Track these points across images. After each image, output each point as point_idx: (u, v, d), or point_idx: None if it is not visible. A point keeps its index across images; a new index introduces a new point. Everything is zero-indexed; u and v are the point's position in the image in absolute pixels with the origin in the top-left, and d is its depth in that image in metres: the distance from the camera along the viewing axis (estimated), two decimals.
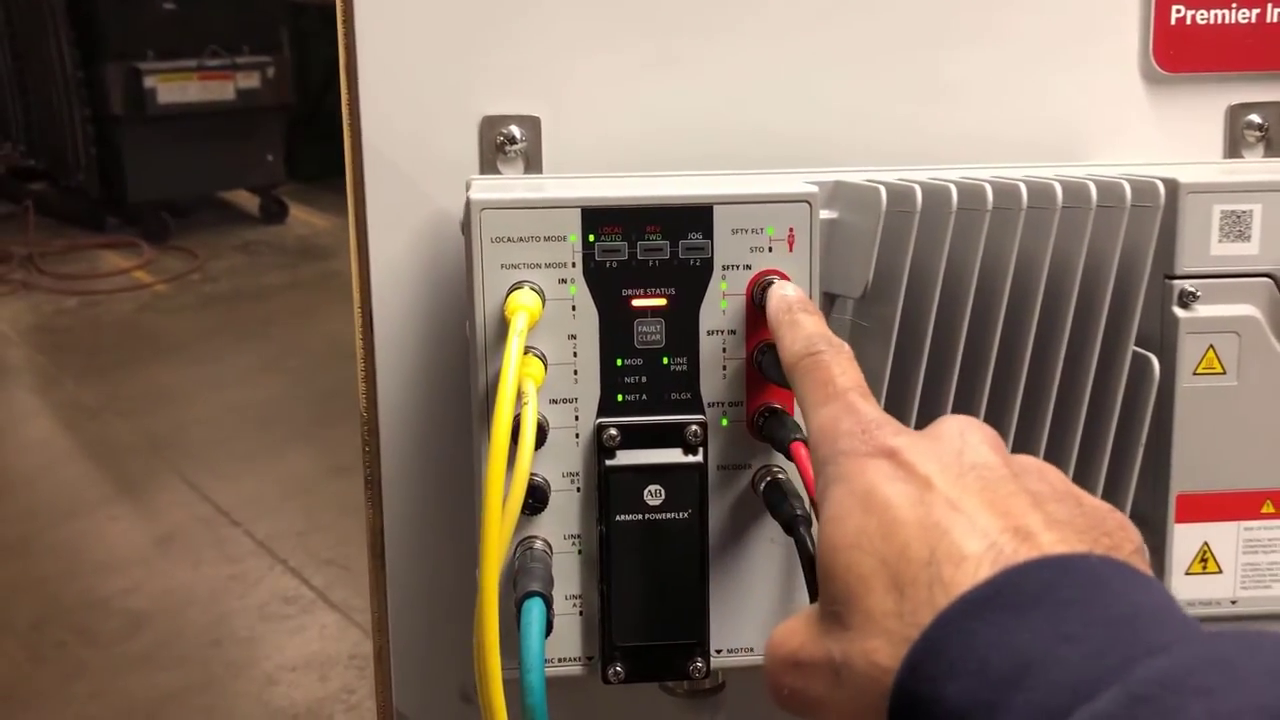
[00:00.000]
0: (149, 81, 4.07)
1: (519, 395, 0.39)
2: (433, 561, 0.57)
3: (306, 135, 4.80)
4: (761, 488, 0.45)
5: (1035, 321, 0.45)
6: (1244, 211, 0.47)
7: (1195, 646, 0.26)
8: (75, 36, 4.10)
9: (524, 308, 0.41)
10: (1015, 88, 0.56)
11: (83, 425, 2.97)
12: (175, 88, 4.13)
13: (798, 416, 0.44)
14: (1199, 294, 0.46)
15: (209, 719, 1.95)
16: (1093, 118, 0.57)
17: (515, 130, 0.54)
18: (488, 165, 0.54)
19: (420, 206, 0.54)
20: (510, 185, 0.48)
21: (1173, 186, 0.46)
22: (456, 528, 0.56)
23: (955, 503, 0.31)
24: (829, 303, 0.46)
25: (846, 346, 0.40)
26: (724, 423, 0.45)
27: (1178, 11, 0.56)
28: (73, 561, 2.36)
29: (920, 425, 0.46)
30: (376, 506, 0.56)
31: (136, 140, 4.13)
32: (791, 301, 0.42)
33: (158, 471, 2.74)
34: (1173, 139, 0.58)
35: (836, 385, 0.37)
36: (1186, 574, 0.48)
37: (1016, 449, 0.46)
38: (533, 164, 0.54)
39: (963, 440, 0.34)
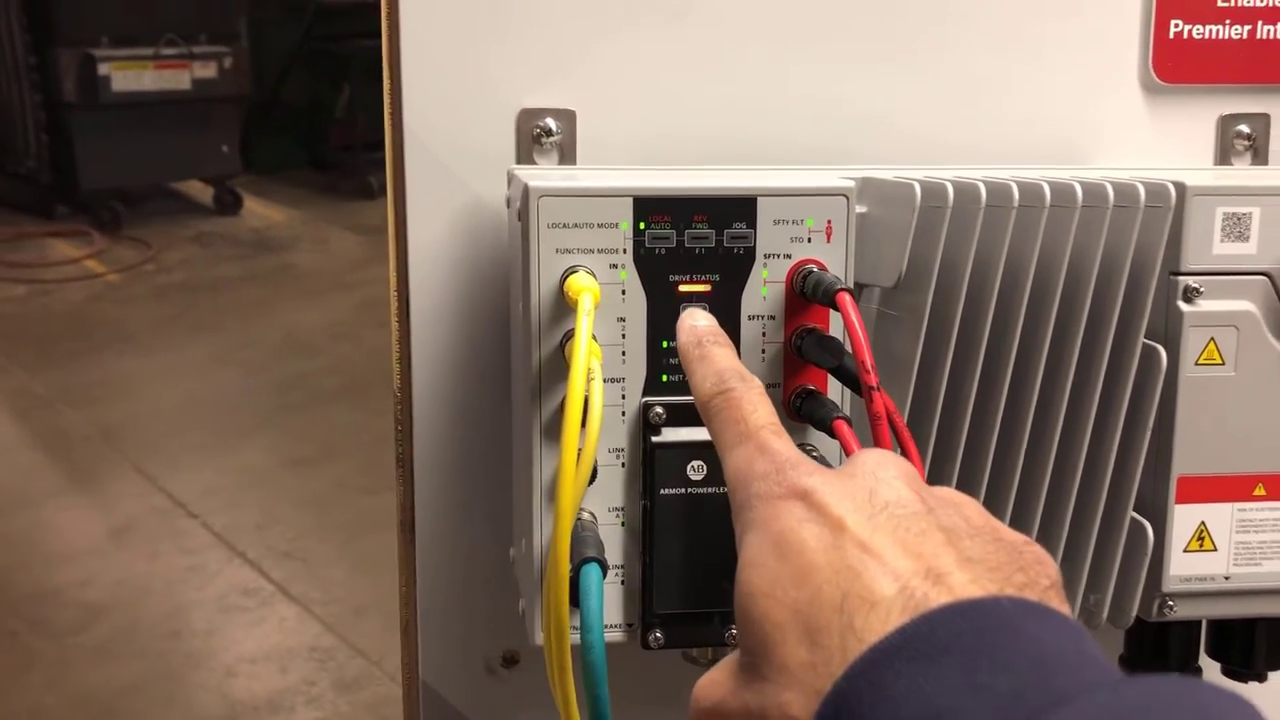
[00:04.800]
0: (103, 69, 4.01)
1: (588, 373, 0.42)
2: (459, 538, 0.59)
3: (262, 126, 4.76)
4: None
5: (1054, 312, 0.48)
6: (1244, 214, 0.50)
7: (1103, 695, 0.26)
8: (28, 21, 4.03)
9: (588, 289, 0.43)
10: (1024, 93, 0.60)
11: (34, 415, 2.93)
12: (130, 76, 4.08)
13: (835, 395, 0.47)
14: (1202, 290, 0.50)
15: (168, 710, 1.94)
16: (1095, 123, 0.61)
17: (551, 123, 0.56)
18: (524, 156, 0.56)
19: (458, 194, 0.56)
20: (561, 174, 0.50)
21: (1181, 189, 0.49)
22: (485, 505, 0.58)
23: (867, 544, 0.31)
24: (859, 291, 0.48)
25: (757, 381, 0.39)
26: None
27: (1175, 26, 0.60)
28: (25, 553, 2.33)
29: (945, 415, 0.49)
30: (408, 484, 0.58)
31: (89, 128, 4.07)
32: (701, 333, 0.42)
33: (112, 462, 2.71)
34: (1168, 145, 0.62)
35: (749, 424, 0.37)
36: (1185, 551, 0.51)
37: (1034, 432, 0.49)
38: (567, 156, 0.56)
39: (876, 477, 0.33)
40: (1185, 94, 0.61)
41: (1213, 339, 0.50)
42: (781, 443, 0.36)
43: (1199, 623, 0.55)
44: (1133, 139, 0.61)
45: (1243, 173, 0.59)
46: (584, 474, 0.41)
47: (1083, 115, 0.61)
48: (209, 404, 3.00)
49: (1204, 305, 0.50)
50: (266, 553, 2.38)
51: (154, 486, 2.61)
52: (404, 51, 0.55)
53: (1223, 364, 0.50)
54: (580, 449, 0.41)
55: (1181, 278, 0.50)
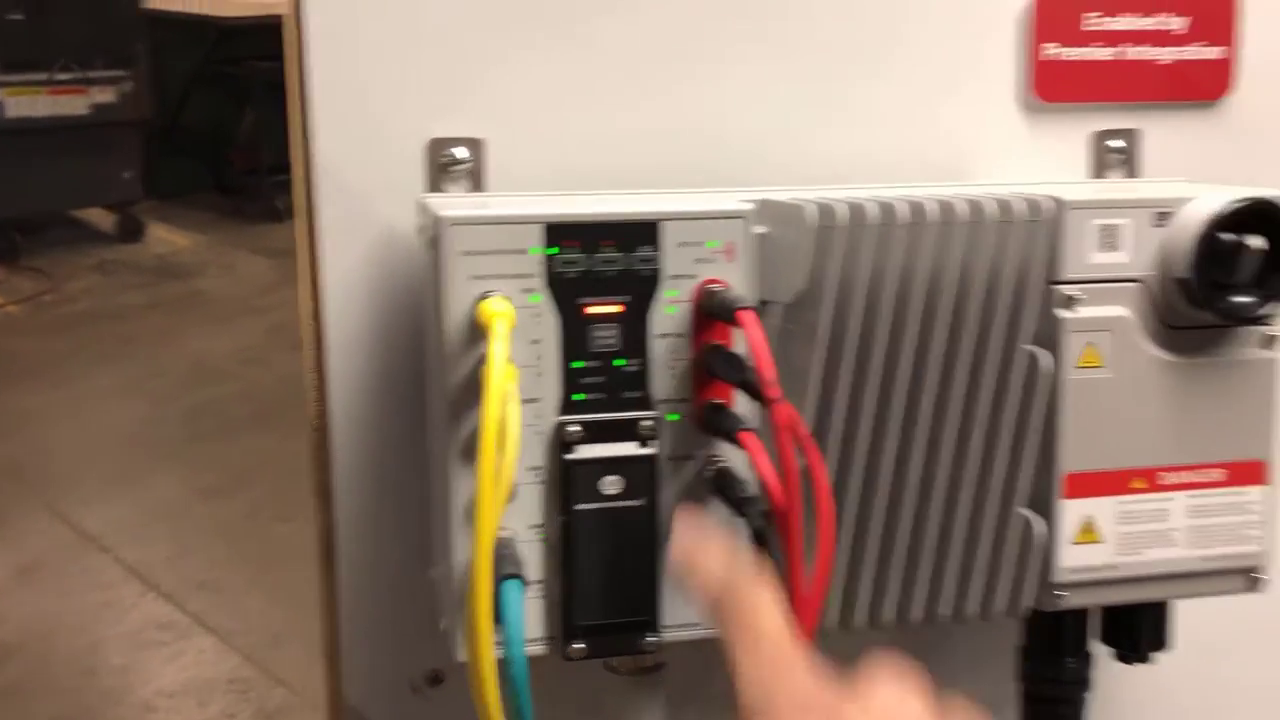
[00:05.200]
0: None
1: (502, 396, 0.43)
2: (379, 561, 0.60)
3: (164, 151, 4.67)
4: (709, 475, 0.49)
5: (945, 322, 0.51)
6: (1117, 225, 0.53)
7: None
8: None
9: (501, 314, 0.45)
10: (912, 116, 0.63)
11: None
12: (24, 101, 3.98)
13: (739, 408, 0.49)
14: (1080, 298, 0.53)
15: None
16: (979, 142, 0.64)
17: (460, 151, 0.57)
18: (435, 185, 0.57)
19: (369, 222, 0.57)
20: (472, 202, 0.52)
21: (1059, 203, 0.52)
22: (404, 527, 0.59)
23: None
24: (762, 308, 0.51)
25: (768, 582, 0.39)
26: (674, 418, 0.49)
27: (1050, 49, 0.64)
28: None
29: (846, 423, 0.51)
30: (326, 511, 0.59)
31: None
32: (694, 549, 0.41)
33: (18, 498, 2.63)
34: (1048, 161, 0.65)
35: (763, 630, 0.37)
36: (1073, 544, 0.54)
37: (930, 437, 0.52)
38: (477, 183, 0.58)
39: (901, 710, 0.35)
40: (1062, 112, 0.65)
41: (1091, 343, 0.53)
42: (802, 661, 0.36)
43: (1088, 611, 0.59)
44: (1016, 156, 0.65)
45: (1115, 185, 0.62)
46: (502, 493, 0.42)
47: (969, 135, 0.64)
48: (117, 436, 2.94)
49: (1082, 312, 0.53)
50: (181, 585, 2.34)
51: (63, 522, 2.55)
52: (312, 79, 0.56)
53: (1101, 366, 0.54)
54: (498, 469, 0.42)
55: (1061, 286, 0.53)
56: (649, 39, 0.59)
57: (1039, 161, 0.65)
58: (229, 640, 2.18)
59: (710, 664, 0.50)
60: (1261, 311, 0.53)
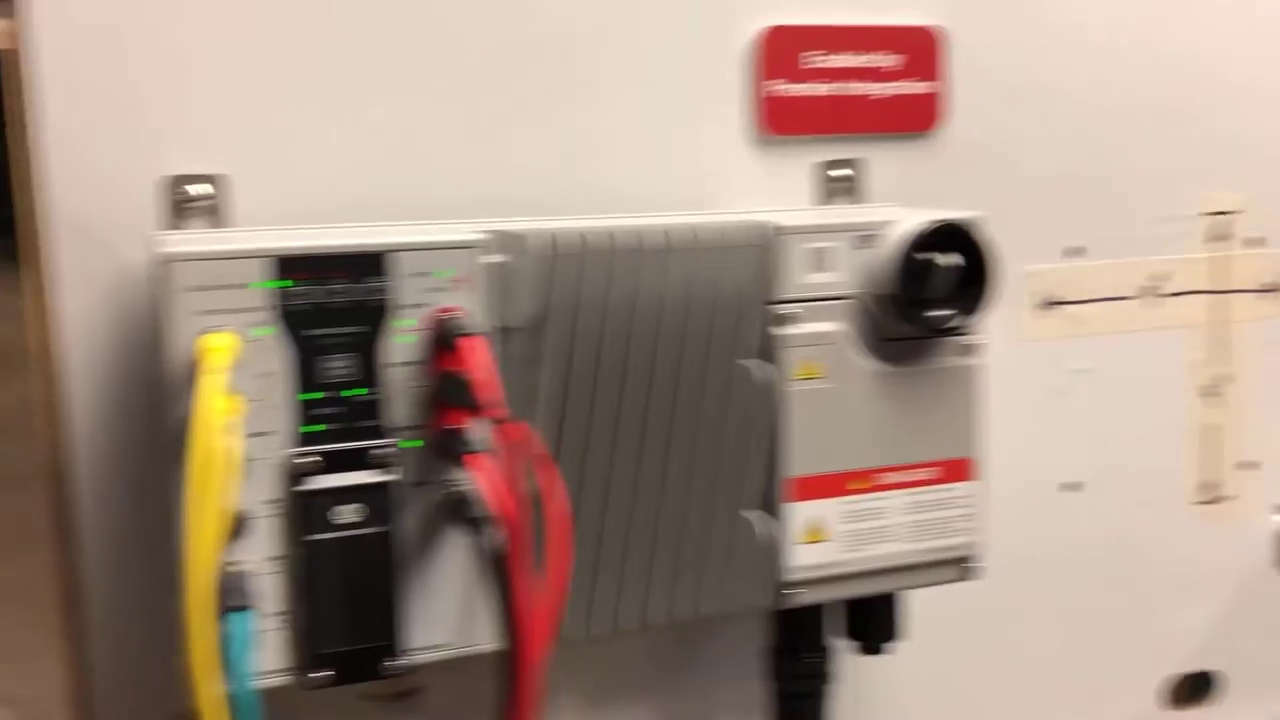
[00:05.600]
0: None
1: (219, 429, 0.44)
2: (127, 604, 0.59)
3: None
4: (448, 499, 0.51)
5: (675, 343, 0.55)
6: (827, 248, 0.58)
7: None
8: None
9: (217, 349, 0.45)
10: (649, 149, 0.66)
11: None
12: None
13: (477, 432, 0.51)
14: (797, 315, 0.57)
15: None
16: (716, 174, 0.68)
17: (198, 188, 0.58)
18: (172, 222, 0.57)
19: (105, 263, 0.57)
20: (201, 239, 0.52)
21: (774, 229, 0.57)
22: (150, 567, 0.58)
23: None
24: (501, 336, 0.53)
25: None
26: (411, 444, 0.51)
27: (775, 85, 0.68)
28: None
29: (585, 441, 0.54)
30: (69, 553, 0.58)
31: None
32: None
33: None
34: (780, 190, 0.70)
35: None
36: (801, 544, 0.58)
37: (664, 450, 0.55)
38: (217, 219, 0.58)
39: None
40: (789, 144, 0.69)
41: (810, 357, 0.58)
42: None
43: (824, 608, 0.62)
44: (750, 187, 0.69)
45: (832, 211, 0.67)
46: (216, 527, 0.43)
47: (707, 168, 0.68)
48: None
49: (800, 328, 0.57)
50: None
51: None
52: (43, 116, 0.55)
53: (822, 378, 0.58)
54: (214, 503, 0.43)
55: (778, 306, 0.57)
56: (392, 74, 0.61)
57: (771, 191, 0.69)
58: (18, 708, 2.06)
59: (472, 685, 0.52)
60: (956, 323, 0.58)
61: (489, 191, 0.63)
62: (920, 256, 0.57)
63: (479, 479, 0.47)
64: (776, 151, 0.69)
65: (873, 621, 0.64)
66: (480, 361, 0.46)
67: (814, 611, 0.62)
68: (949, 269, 0.58)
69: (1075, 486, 0.78)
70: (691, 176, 0.68)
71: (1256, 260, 0.81)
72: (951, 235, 0.58)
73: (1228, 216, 0.79)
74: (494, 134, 0.63)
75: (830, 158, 0.71)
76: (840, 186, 0.71)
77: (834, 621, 0.64)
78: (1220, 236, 0.79)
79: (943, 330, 0.58)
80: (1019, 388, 0.76)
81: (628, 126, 0.66)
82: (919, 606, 0.67)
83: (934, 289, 0.58)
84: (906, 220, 0.58)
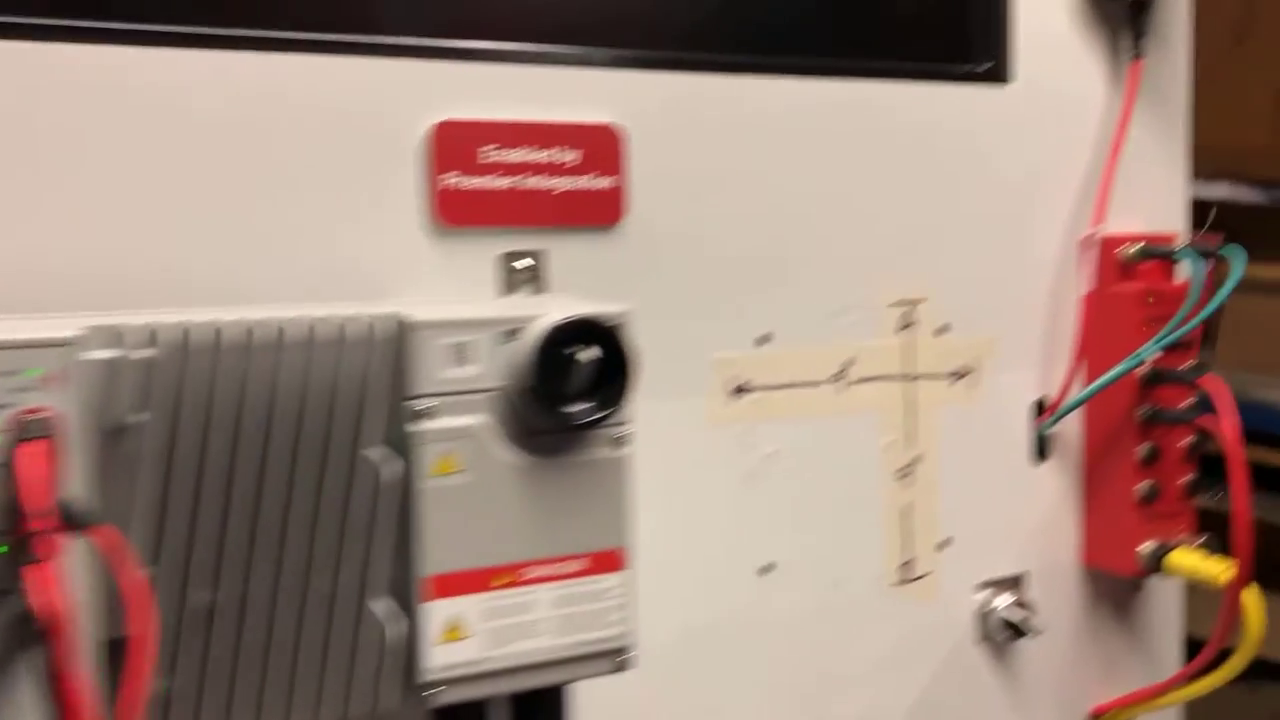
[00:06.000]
0: None
1: None
2: None
3: None
4: (14, 612, 0.48)
5: (284, 439, 0.54)
6: (468, 341, 0.58)
7: None
8: None
9: None
10: (330, 241, 0.66)
11: None
12: None
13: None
14: (434, 409, 0.57)
15: None
16: (390, 264, 0.68)
17: None
18: None
19: None
20: None
21: (408, 324, 0.57)
22: None
23: None
24: (111, 436, 0.51)
25: None
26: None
27: (451, 178, 0.69)
28: None
29: (194, 545, 0.52)
30: None
31: None
32: None
33: None
34: (460, 281, 0.70)
35: None
36: (438, 644, 0.57)
37: (277, 550, 0.54)
38: None
39: None
40: (470, 235, 0.70)
41: (447, 451, 0.57)
42: None
43: (489, 701, 0.62)
44: (429, 276, 0.69)
45: (502, 304, 0.68)
46: None
47: (384, 257, 0.68)
48: None
49: (437, 423, 0.57)
50: None
51: None
52: None
53: (461, 471, 0.58)
54: None
55: (414, 401, 0.57)
56: (68, 159, 0.60)
57: (452, 281, 0.70)
58: None
59: None
60: (595, 417, 0.59)
61: (165, 281, 0.62)
62: (558, 351, 0.58)
63: (33, 590, 0.45)
64: (458, 243, 0.70)
65: (539, 715, 0.63)
66: (24, 470, 0.44)
67: (474, 708, 0.61)
68: (587, 363, 0.58)
69: (770, 568, 0.79)
70: (370, 267, 0.68)
71: (942, 345, 0.84)
72: (591, 329, 0.59)
73: (913, 306, 0.83)
74: (168, 223, 0.62)
75: (513, 249, 0.71)
76: (523, 277, 0.71)
77: (502, 714, 0.63)
78: (907, 324, 0.83)
79: (582, 425, 0.59)
80: (711, 473, 0.77)
81: (311, 221, 0.66)
82: (601, 692, 0.66)
83: (572, 384, 0.58)
84: (547, 314, 0.59)
